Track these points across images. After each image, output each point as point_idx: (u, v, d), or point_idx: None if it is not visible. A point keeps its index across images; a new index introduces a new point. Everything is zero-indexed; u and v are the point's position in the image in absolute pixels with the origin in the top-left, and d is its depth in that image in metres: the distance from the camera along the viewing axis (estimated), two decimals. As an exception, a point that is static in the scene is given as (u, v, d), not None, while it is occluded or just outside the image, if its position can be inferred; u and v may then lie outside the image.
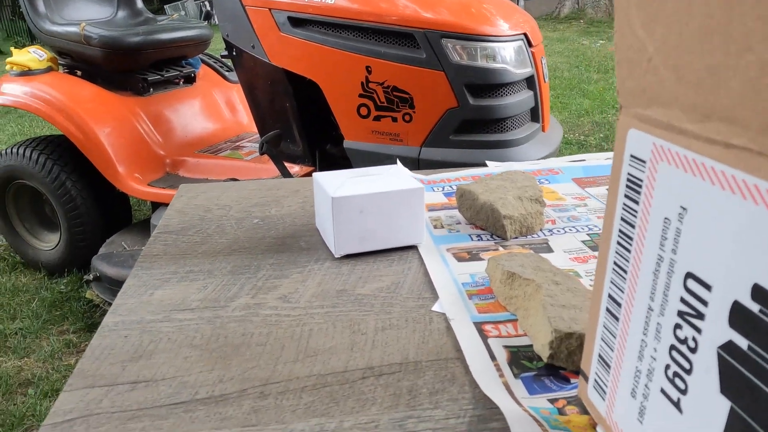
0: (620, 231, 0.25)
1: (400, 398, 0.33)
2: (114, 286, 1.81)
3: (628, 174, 0.24)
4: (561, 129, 1.85)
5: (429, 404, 0.32)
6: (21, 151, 2.04)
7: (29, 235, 2.26)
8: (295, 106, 1.70)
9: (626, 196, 0.24)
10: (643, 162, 0.23)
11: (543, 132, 1.69)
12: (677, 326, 0.22)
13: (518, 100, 1.57)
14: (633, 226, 0.24)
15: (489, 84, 1.51)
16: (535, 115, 1.67)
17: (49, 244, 2.22)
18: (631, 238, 0.24)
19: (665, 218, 0.22)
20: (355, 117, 1.57)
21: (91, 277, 1.87)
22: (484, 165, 0.72)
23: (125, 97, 2.12)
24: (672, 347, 0.22)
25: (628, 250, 0.24)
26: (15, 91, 2.05)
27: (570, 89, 4.64)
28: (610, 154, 0.74)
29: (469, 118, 1.51)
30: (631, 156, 0.23)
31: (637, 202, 0.23)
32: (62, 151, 2.04)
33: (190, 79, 2.37)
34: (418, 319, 0.41)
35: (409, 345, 0.38)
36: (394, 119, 1.54)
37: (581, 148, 3.38)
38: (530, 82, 1.64)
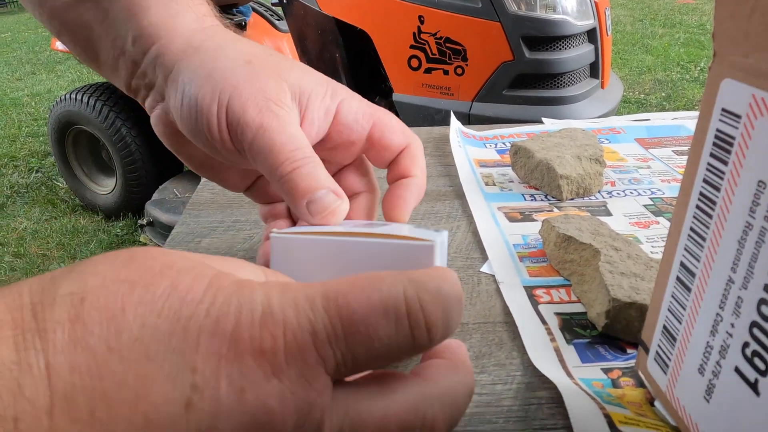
0: (701, 194, 0.22)
1: (445, 359, 0.32)
2: (166, 231, 1.87)
3: (717, 130, 0.21)
4: (621, 86, 1.76)
5: (475, 368, 0.31)
6: (79, 97, 2.10)
7: (87, 179, 2.35)
8: (345, 56, 1.66)
9: (713, 156, 0.21)
10: (738, 117, 0.20)
11: (602, 89, 1.61)
12: (762, 302, 0.20)
13: (578, 54, 1.49)
14: (718, 189, 0.21)
15: (547, 36, 1.44)
16: (594, 70, 1.59)
17: (105, 188, 2.31)
18: (714, 203, 0.22)
19: (760, 181, 0.19)
20: (405, 69, 1.53)
21: (144, 221, 1.94)
22: (540, 122, 0.69)
23: (177, 45, 2.12)
24: (754, 324, 0.20)
25: (710, 216, 0.22)
26: (72, 38, 2.09)
27: (632, 44, 4.40)
28: (678, 114, 0.69)
29: (524, 72, 1.45)
30: (723, 110, 0.21)
31: (725, 163, 0.21)
32: (117, 98, 2.08)
33: (240, 27, 2.36)
34: (466, 280, 0.39)
35: (455, 305, 0.36)
36: (446, 72, 1.50)
37: (640, 107, 3.22)
38: (591, 35, 1.55)
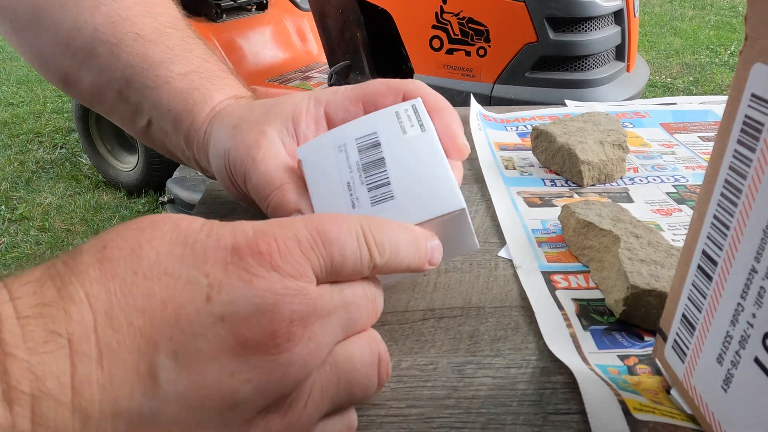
0: (727, 182, 0.22)
1: (461, 343, 0.32)
2: (186, 208, 1.89)
3: (746, 116, 0.20)
4: (647, 69, 1.72)
5: (490, 351, 0.31)
6: (102, 74, 2.11)
7: (110, 156, 2.38)
8: (366, 36, 1.65)
9: (740, 143, 0.21)
10: (768, 103, 0.19)
11: (627, 72, 1.58)
12: (786, 294, 0.19)
13: (604, 36, 1.46)
14: (744, 177, 0.21)
15: (573, 17, 1.41)
16: (620, 53, 1.55)
17: (128, 165, 2.34)
18: (739, 191, 0.21)
19: (788, 170, 0.19)
20: (426, 49, 1.52)
21: (165, 199, 1.96)
22: (563, 104, 0.68)
23: (199, 23, 2.13)
24: (776, 316, 0.20)
25: (735, 204, 0.21)
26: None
27: (660, 26, 4.29)
28: (705, 98, 0.68)
29: (548, 54, 1.42)
30: (753, 95, 0.20)
31: (753, 150, 0.20)
32: (139, 75, 2.09)
33: (262, 6, 2.35)
34: (483, 264, 0.39)
35: (472, 289, 0.36)
36: (468, 53, 1.48)
37: (667, 91, 3.14)
38: (618, 16, 1.51)
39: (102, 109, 0.42)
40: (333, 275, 0.22)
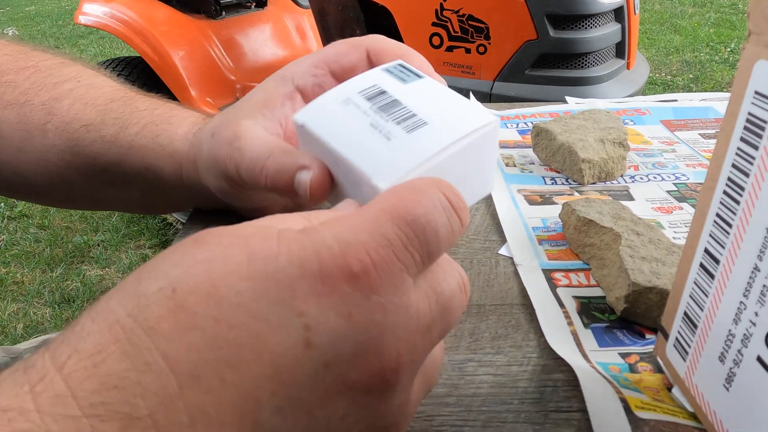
0: (730, 179, 0.22)
1: (461, 340, 0.32)
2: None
3: (749, 114, 0.20)
4: (647, 67, 1.72)
5: (491, 349, 0.31)
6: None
7: (109, 154, 2.37)
8: (366, 33, 1.65)
9: (743, 140, 0.21)
10: (771, 100, 0.19)
11: (627, 70, 1.58)
12: (789, 292, 0.19)
13: (604, 33, 1.45)
14: (747, 175, 0.21)
15: (573, 14, 1.40)
16: (620, 50, 1.55)
17: (127, 163, 2.33)
18: (742, 188, 0.21)
19: (791, 168, 0.18)
20: (426, 47, 1.51)
21: (165, 196, 1.95)
22: (564, 101, 0.67)
23: (198, 20, 2.12)
24: (778, 314, 0.20)
25: (737, 202, 0.21)
26: (96, 12, 2.10)
27: (660, 24, 4.28)
28: (706, 95, 0.68)
29: (548, 51, 1.42)
30: (756, 93, 0.20)
31: (756, 147, 0.20)
32: (139, 72, 2.09)
33: (261, 3, 2.34)
34: (484, 262, 0.39)
35: (473, 287, 0.36)
36: (468, 50, 1.47)
37: (667, 88, 3.14)
38: (618, 13, 1.51)
39: (102, 205, 0.44)
40: (429, 263, 0.19)
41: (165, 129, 0.38)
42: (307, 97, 0.33)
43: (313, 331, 0.17)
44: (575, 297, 0.35)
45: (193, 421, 0.16)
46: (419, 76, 0.28)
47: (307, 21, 2.38)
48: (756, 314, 0.21)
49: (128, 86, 0.43)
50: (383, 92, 0.27)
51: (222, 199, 0.38)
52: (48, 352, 0.16)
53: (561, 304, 0.35)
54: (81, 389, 0.15)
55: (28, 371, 0.16)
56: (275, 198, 0.37)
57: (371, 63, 0.33)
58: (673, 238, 0.40)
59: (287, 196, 0.31)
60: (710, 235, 0.23)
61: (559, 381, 0.29)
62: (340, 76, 0.33)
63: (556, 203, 0.46)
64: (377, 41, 0.33)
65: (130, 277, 0.18)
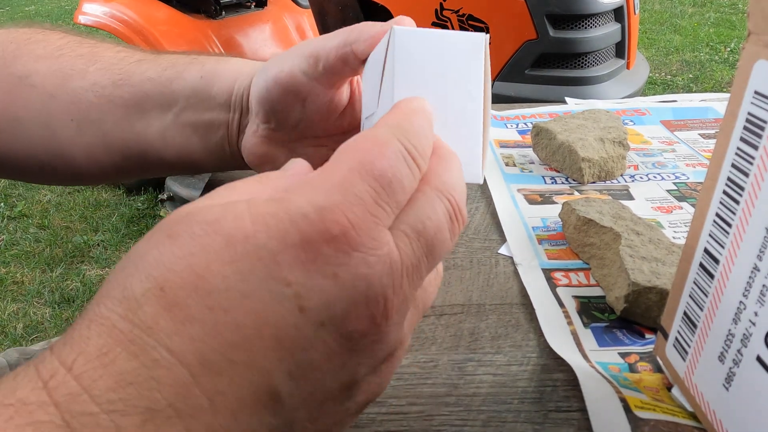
0: (729, 179, 0.22)
1: (461, 340, 0.32)
2: (185, 203, 1.88)
3: (749, 114, 0.20)
4: (647, 67, 1.72)
5: (490, 348, 0.31)
6: (101, 71, 2.11)
7: (109, 154, 2.37)
8: (366, 33, 1.65)
9: (743, 140, 0.21)
10: (771, 100, 0.19)
11: (627, 69, 1.58)
12: (788, 291, 0.19)
13: (604, 33, 1.45)
14: (747, 175, 0.21)
15: (573, 14, 1.40)
16: (620, 50, 1.55)
17: (127, 163, 2.33)
18: (742, 188, 0.21)
19: (791, 167, 0.18)
20: (426, 47, 1.51)
21: (165, 196, 1.96)
22: (564, 102, 0.67)
23: (198, 20, 2.12)
24: (778, 314, 0.20)
25: (737, 202, 0.21)
26: (96, 12, 2.10)
27: (660, 23, 4.28)
28: (706, 95, 0.68)
29: (548, 51, 1.42)
30: (756, 92, 0.20)
31: (755, 147, 0.20)
32: (139, 72, 2.09)
33: (261, 3, 2.34)
34: (484, 261, 0.39)
35: (472, 287, 0.36)
36: (468, 50, 1.47)
37: (667, 88, 3.14)
38: (618, 13, 1.51)
39: (123, 168, 0.42)
40: (398, 211, 0.20)
41: (225, 61, 0.38)
42: (333, 73, 0.32)
43: (303, 297, 0.18)
44: (575, 297, 0.35)
45: (212, 403, 0.17)
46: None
47: (307, 21, 2.38)
48: (755, 314, 0.21)
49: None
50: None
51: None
52: (53, 354, 0.17)
53: (561, 304, 0.35)
54: (95, 388, 0.16)
55: (39, 368, 0.16)
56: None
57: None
58: (673, 237, 0.40)
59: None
60: (710, 235, 0.23)
61: (558, 381, 0.29)
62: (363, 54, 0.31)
63: (556, 203, 0.46)
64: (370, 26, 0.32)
65: (111, 282, 0.18)
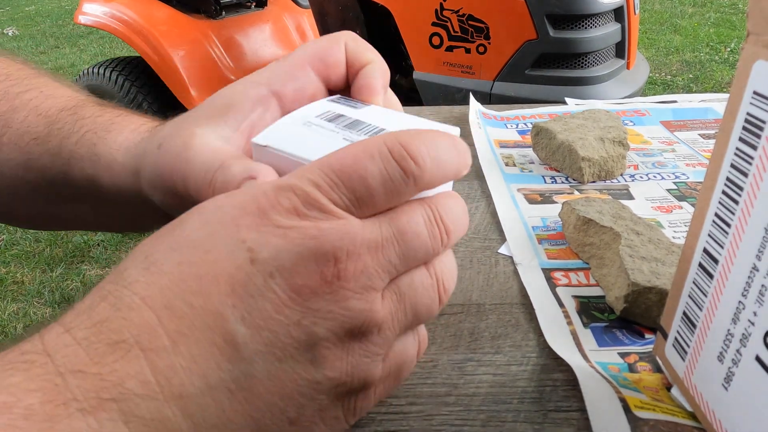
0: (728, 179, 0.22)
1: (461, 340, 0.32)
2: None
3: (748, 114, 0.20)
4: (647, 67, 1.72)
5: (490, 348, 0.31)
6: (101, 71, 2.11)
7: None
8: (366, 34, 1.65)
9: (742, 140, 0.21)
10: (770, 100, 0.19)
11: (627, 69, 1.58)
12: (787, 291, 0.19)
13: (604, 33, 1.45)
14: (746, 175, 0.21)
15: (573, 14, 1.40)
16: (620, 50, 1.55)
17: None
18: (741, 188, 0.21)
19: (790, 167, 0.18)
20: (426, 47, 1.51)
21: (165, 196, 1.95)
22: (563, 102, 0.68)
23: (198, 20, 2.12)
24: (777, 314, 0.20)
25: (736, 202, 0.21)
26: (96, 12, 2.10)
27: (660, 24, 4.28)
28: (706, 96, 0.68)
29: (548, 51, 1.42)
30: (755, 93, 0.20)
31: (755, 147, 0.20)
32: (139, 72, 2.09)
33: (261, 3, 2.34)
34: (484, 261, 0.39)
35: (472, 286, 0.36)
36: (468, 50, 1.47)
37: (667, 88, 3.14)
38: (618, 13, 1.51)
39: (63, 224, 0.42)
40: (369, 207, 0.21)
41: (102, 137, 0.34)
42: (286, 102, 0.30)
43: (255, 251, 0.20)
44: (575, 296, 0.35)
45: (174, 344, 0.19)
46: (366, 105, 0.29)
47: (307, 21, 2.38)
48: (755, 314, 0.21)
49: (86, 95, 0.40)
50: (341, 115, 0.27)
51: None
52: (55, 321, 0.20)
53: (560, 304, 0.35)
54: (76, 328, 0.19)
55: (41, 330, 0.20)
56: None
57: (347, 60, 0.31)
58: (673, 237, 0.40)
59: None
60: (709, 235, 0.23)
61: (558, 381, 0.29)
62: (324, 73, 0.31)
63: (556, 202, 0.46)
64: (353, 38, 0.32)
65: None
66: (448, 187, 0.26)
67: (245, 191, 0.21)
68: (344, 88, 0.32)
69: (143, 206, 0.35)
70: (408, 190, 0.22)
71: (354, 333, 0.21)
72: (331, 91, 0.32)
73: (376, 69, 0.31)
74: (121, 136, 0.35)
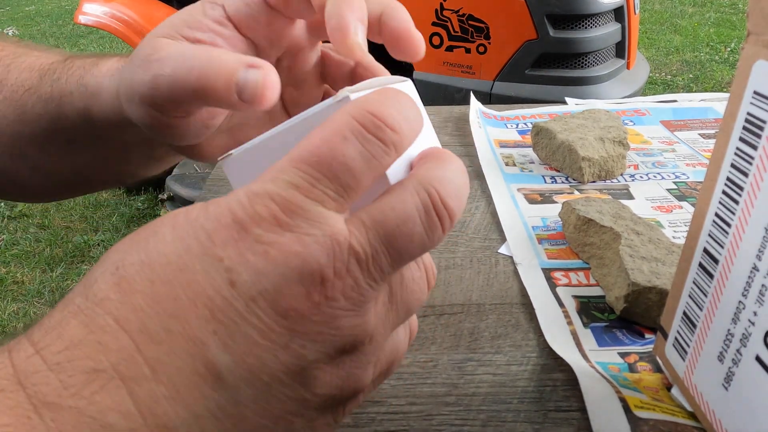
0: (729, 179, 0.22)
1: (461, 340, 0.32)
2: (185, 205, 1.89)
3: (748, 114, 0.20)
4: (647, 67, 1.72)
5: (490, 348, 0.31)
6: (101, 71, 2.11)
7: (109, 154, 2.37)
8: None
9: (742, 140, 0.21)
10: (770, 100, 0.19)
11: (627, 69, 1.58)
12: (787, 291, 0.19)
13: (604, 33, 1.45)
14: (746, 175, 0.21)
15: (573, 14, 1.40)
16: (620, 50, 1.55)
17: (127, 162, 2.33)
18: (741, 188, 0.21)
19: (790, 167, 0.18)
20: (426, 47, 1.51)
21: (165, 196, 1.96)
22: (563, 102, 0.68)
23: (198, 19, 2.12)
24: (777, 314, 0.20)
25: (736, 202, 0.21)
26: (96, 11, 2.10)
27: (660, 23, 4.28)
28: (706, 95, 0.68)
29: (548, 51, 1.42)
30: (755, 93, 0.20)
31: (755, 147, 0.20)
32: (139, 72, 2.09)
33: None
34: (484, 261, 0.39)
35: (472, 286, 0.36)
36: (468, 50, 1.47)
37: (667, 88, 3.14)
38: (618, 13, 1.51)
39: (68, 185, 0.41)
40: (357, 191, 0.20)
41: (89, 70, 0.34)
42: (240, 28, 0.29)
43: (234, 271, 0.18)
44: (575, 296, 0.35)
45: (154, 372, 0.18)
46: None
47: (307, 21, 2.38)
48: (755, 314, 0.21)
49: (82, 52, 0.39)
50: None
51: (170, 142, 0.32)
52: (24, 335, 0.19)
53: (561, 304, 0.35)
54: (47, 351, 0.18)
55: (10, 345, 0.18)
56: (206, 126, 0.31)
57: None
58: (673, 237, 0.40)
59: (222, 106, 0.27)
60: (709, 235, 0.23)
61: (558, 381, 0.29)
62: (275, 5, 0.28)
63: (556, 202, 0.46)
64: None
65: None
66: (433, 141, 0.23)
67: (218, 201, 0.20)
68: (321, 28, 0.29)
69: (134, 136, 0.34)
70: (390, 160, 0.20)
71: (345, 349, 0.20)
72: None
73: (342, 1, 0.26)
74: (107, 65, 0.34)
